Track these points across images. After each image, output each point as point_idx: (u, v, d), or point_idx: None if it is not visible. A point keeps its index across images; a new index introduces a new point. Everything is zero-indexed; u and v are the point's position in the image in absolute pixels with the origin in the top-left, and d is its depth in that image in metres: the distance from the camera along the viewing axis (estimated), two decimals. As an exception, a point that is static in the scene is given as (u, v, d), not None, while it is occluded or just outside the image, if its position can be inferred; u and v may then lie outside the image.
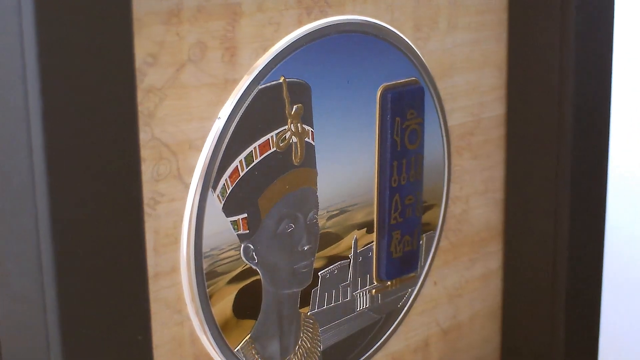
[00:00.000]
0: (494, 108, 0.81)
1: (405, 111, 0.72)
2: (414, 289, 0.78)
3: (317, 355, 0.72)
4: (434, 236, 0.79)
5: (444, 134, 0.77)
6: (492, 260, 0.84)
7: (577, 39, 0.76)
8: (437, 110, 0.76)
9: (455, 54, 0.76)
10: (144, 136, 0.59)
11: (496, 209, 0.84)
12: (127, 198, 0.54)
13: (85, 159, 0.52)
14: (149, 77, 0.59)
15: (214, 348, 0.66)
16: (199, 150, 0.62)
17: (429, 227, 0.78)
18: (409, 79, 0.73)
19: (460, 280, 0.82)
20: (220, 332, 0.65)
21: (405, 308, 0.78)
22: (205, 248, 0.63)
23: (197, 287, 0.63)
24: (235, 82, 0.63)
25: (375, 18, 0.70)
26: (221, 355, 0.66)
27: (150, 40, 0.58)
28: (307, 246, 0.69)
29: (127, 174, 0.54)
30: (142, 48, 0.58)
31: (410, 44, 0.73)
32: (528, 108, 0.80)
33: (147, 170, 0.60)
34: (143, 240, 0.55)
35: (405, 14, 0.72)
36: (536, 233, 0.82)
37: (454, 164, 0.79)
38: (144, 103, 0.59)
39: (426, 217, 0.77)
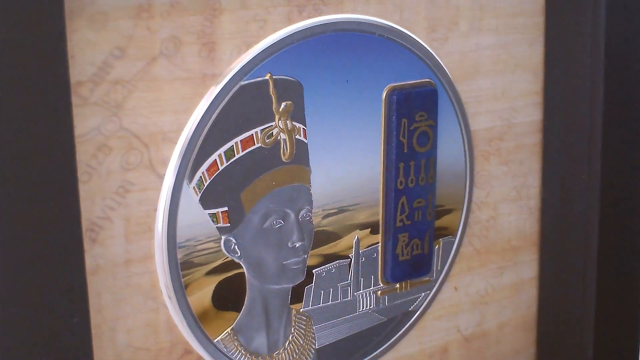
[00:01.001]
0: (529, 113, 0.78)
1: (414, 113, 0.71)
2: (429, 293, 0.77)
3: (312, 352, 0.72)
4: (453, 241, 0.77)
5: (464, 138, 0.75)
6: (525, 270, 0.82)
7: (609, 46, 0.73)
8: (456, 114, 0.74)
9: (479, 56, 0.74)
10: (111, 126, 0.61)
11: (530, 217, 0.81)
12: (60, 181, 0.56)
13: (16, 148, 0.54)
14: (116, 70, 0.60)
15: (191, 337, 0.67)
16: (174, 142, 0.63)
17: (447, 232, 0.77)
18: (421, 81, 0.72)
19: (487, 288, 0.80)
20: (197, 321, 0.66)
21: (419, 311, 0.77)
22: (180, 239, 0.64)
23: (171, 276, 0.65)
24: (215, 77, 0.64)
25: (381, 18, 0.69)
26: (199, 345, 0.67)
27: (118, 34, 0.60)
28: (299, 243, 0.69)
29: (57, 158, 0.55)
30: (108, 41, 0.60)
31: (424, 44, 0.71)
32: (565, 114, 0.77)
33: (115, 160, 0.62)
34: (78, 224, 0.57)
35: (417, 15, 0.71)
36: (572, 242, 0.79)
37: (479, 169, 0.77)
38: (111, 94, 0.60)
39: (443, 222, 0.76)
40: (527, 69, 0.77)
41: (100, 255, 0.62)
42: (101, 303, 0.63)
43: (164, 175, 0.63)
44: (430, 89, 0.72)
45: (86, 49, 0.59)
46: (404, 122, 0.71)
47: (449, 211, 0.76)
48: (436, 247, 0.76)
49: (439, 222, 0.76)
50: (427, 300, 0.77)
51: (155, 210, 0.64)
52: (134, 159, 0.62)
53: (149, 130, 0.62)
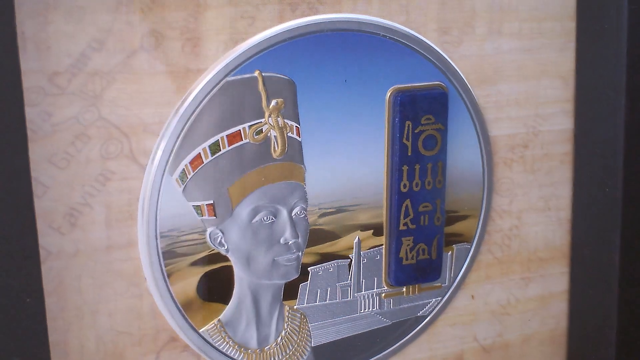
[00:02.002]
0: (558, 122, 0.75)
1: (419, 116, 0.70)
2: (441, 299, 0.75)
3: (307, 349, 0.72)
4: (468, 248, 0.75)
5: (481, 144, 0.73)
6: (555, 283, 0.79)
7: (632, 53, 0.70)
8: (472, 118, 0.72)
9: (500, 61, 0.72)
10: (89, 116, 0.63)
11: (560, 228, 0.78)
12: (10, 165, 0.58)
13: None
14: (94, 62, 0.62)
15: (175, 325, 0.68)
16: (156, 134, 0.65)
17: (462, 239, 0.75)
18: (429, 83, 0.70)
19: (509, 298, 0.78)
20: (181, 310, 0.68)
21: (429, 317, 0.75)
22: (162, 228, 0.66)
23: (152, 264, 0.66)
24: (200, 72, 0.65)
25: (385, 18, 0.68)
26: (183, 334, 0.69)
27: (95, 27, 0.62)
28: (292, 240, 0.69)
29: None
30: (86, 35, 0.62)
31: (434, 47, 0.70)
32: (597, 123, 0.74)
33: (94, 148, 0.64)
34: (31, 208, 0.59)
35: (427, 16, 0.69)
36: (605, 256, 0.76)
37: (500, 176, 0.75)
38: (89, 85, 0.62)
39: (458, 228, 0.74)
40: (556, 76, 0.74)
41: (80, 240, 0.65)
42: (81, 286, 0.65)
43: (146, 165, 0.65)
44: (438, 92, 0.70)
45: (63, 40, 0.61)
46: (408, 125, 0.70)
47: (463, 217, 0.74)
48: (449, 253, 0.75)
49: (452, 228, 0.74)
50: (439, 306, 0.76)
51: (138, 199, 0.65)
52: (114, 149, 0.64)
53: (129, 121, 0.64)
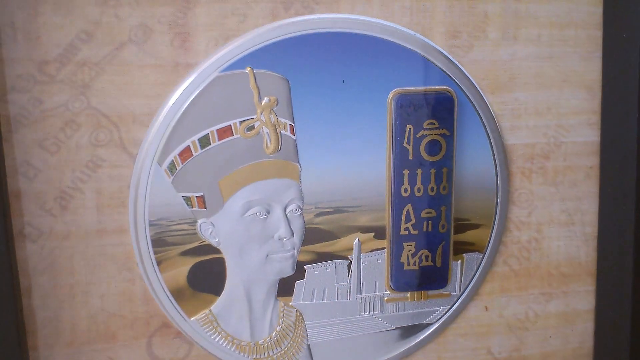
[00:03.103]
0: (582, 133, 0.72)
1: (421, 120, 0.68)
2: (450, 307, 0.74)
3: (303, 346, 0.72)
4: (480, 258, 0.73)
5: (494, 152, 0.71)
6: (579, 300, 0.75)
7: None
8: (484, 125, 0.70)
9: (516, 67, 0.69)
10: (78, 104, 0.65)
11: (586, 245, 0.74)
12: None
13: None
14: (83, 52, 0.65)
15: (166, 312, 0.70)
16: (145, 125, 0.66)
17: (473, 248, 0.73)
18: (435, 88, 0.69)
19: (527, 313, 0.75)
20: (170, 298, 0.69)
21: (437, 325, 0.74)
22: (152, 216, 0.68)
23: (141, 251, 0.68)
24: (190, 66, 0.66)
25: (386, 19, 0.67)
26: (175, 321, 0.70)
27: (84, 19, 0.64)
28: (286, 238, 0.69)
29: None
30: (75, 26, 0.64)
31: (442, 50, 0.68)
32: (624, 136, 0.70)
33: (84, 135, 0.66)
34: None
35: (433, 18, 0.68)
36: (633, 275, 0.72)
37: (518, 186, 0.72)
38: (78, 75, 0.65)
39: (468, 237, 0.72)
40: (580, 85, 0.71)
41: (72, 222, 0.67)
42: (73, 266, 0.68)
43: (136, 155, 0.67)
44: (443, 97, 0.68)
45: (52, 31, 0.64)
46: (409, 129, 0.68)
47: (475, 226, 0.72)
48: (458, 262, 0.73)
49: (463, 237, 0.72)
50: (447, 315, 0.74)
51: (129, 187, 0.67)
52: (103, 137, 0.66)
53: (118, 111, 0.66)
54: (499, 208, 0.72)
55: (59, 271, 0.68)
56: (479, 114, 0.70)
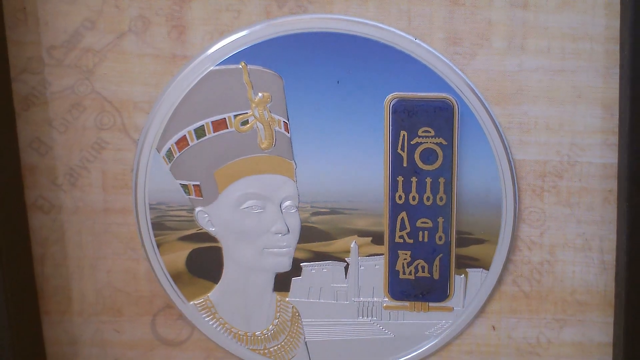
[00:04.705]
0: (600, 154, 0.67)
1: (416, 127, 0.67)
2: (453, 322, 0.71)
3: (299, 342, 0.73)
4: (483, 275, 0.70)
5: (500, 166, 0.68)
6: (596, 332, 0.71)
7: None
8: (489, 138, 0.67)
9: (523, 79, 0.66)
10: (83, 88, 0.69)
11: (605, 273, 0.69)
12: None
13: None
14: (87, 39, 0.68)
15: (166, 293, 0.73)
16: (145, 112, 0.69)
17: (477, 263, 0.70)
18: (434, 95, 0.66)
19: (539, 337, 0.71)
20: (170, 280, 0.72)
21: (439, 339, 0.72)
22: (151, 200, 0.70)
23: (142, 233, 0.71)
24: (185, 58, 0.68)
25: (382, 22, 0.66)
26: (175, 303, 0.73)
27: (87, 8, 0.67)
28: (281, 234, 0.70)
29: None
30: (79, 14, 0.68)
31: (441, 57, 0.66)
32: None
33: (89, 118, 0.70)
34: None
35: (432, 23, 0.66)
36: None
37: (529, 204, 0.69)
38: (82, 60, 0.68)
39: (472, 251, 0.70)
40: (596, 103, 0.66)
41: (80, 199, 0.71)
42: (82, 240, 0.72)
43: (137, 140, 0.69)
44: (441, 105, 0.66)
45: (59, 18, 0.68)
46: (403, 135, 0.67)
47: (479, 241, 0.69)
48: (461, 276, 0.70)
49: (466, 251, 0.70)
50: (450, 329, 0.72)
51: (131, 170, 0.70)
52: (107, 121, 0.69)
53: (120, 97, 0.69)
54: (505, 224, 0.69)
55: (69, 243, 0.72)
56: (482, 125, 0.67)
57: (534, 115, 0.67)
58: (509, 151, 0.67)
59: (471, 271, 0.70)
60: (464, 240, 0.69)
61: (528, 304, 0.71)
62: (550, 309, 0.71)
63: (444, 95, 0.66)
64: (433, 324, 0.71)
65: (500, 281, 0.70)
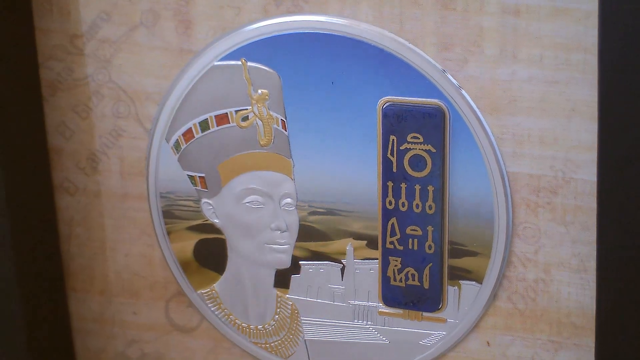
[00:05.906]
0: (594, 172, 0.64)
1: (405, 132, 0.66)
2: (447, 334, 0.70)
3: (298, 340, 0.74)
4: (476, 288, 0.69)
5: (493, 177, 0.66)
6: (593, 358, 0.68)
7: None
8: (480, 147, 0.66)
9: (516, 89, 0.64)
10: (102, 77, 0.73)
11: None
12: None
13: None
14: (104, 30, 0.72)
15: (174, 280, 0.75)
16: (157, 103, 0.72)
17: (470, 276, 0.68)
18: (425, 100, 0.65)
19: (534, 358, 0.69)
20: (179, 268, 0.75)
21: (433, 349, 0.71)
22: (162, 189, 0.73)
23: (154, 220, 0.74)
24: (191, 52, 0.70)
25: (374, 24, 0.66)
26: (184, 291, 0.75)
27: (103, 1, 0.71)
28: (280, 231, 0.71)
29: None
30: (96, 6, 0.71)
31: (433, 61, 0.65)
32: (620, 177, 0.61)
33: (107, 105, 0.73)
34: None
35: (424, 27, 0.65)
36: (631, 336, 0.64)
37: (523, 219, 0.66)
38: (100, 50, 0.72)
39: (465, 263, 0.68)
40: (591, 117, 0.63)
41: (101, 183, 0.75)
42: (104, 222, 0.76)
43: (150, 129, 0.72)
44: (430, 111, 0.65)
45: (79, 8, 0.71)
46: (393, 139, 0.66)
47: (472, 254, 0.68)
48: (454, 288, 0.69)
49: (460, 262, 0.68)
50: (443, 341, 0.70)
51: (145, 158, 0.73)
52: (123, 110, 0.73)
53: (134, 87, 0.72)
54: (498, 239, 0.67)
55: (92, 225, 0.76)
56: (474, 134, 0.65)
57: (528, 127, 0.64)
58: (501, 163, 0.65)
59: (464, 283, 0.69)
60: (457, 251, 0.68)
61: (523, 322, 0.68)
62: (545, 329, 0.68)
63: (434, 101, 0.65)
64: (428, 333, 0.70)
65: (495, 296, 0.68)
